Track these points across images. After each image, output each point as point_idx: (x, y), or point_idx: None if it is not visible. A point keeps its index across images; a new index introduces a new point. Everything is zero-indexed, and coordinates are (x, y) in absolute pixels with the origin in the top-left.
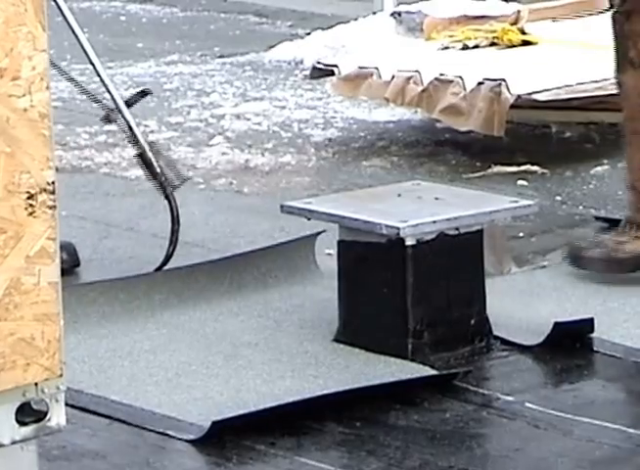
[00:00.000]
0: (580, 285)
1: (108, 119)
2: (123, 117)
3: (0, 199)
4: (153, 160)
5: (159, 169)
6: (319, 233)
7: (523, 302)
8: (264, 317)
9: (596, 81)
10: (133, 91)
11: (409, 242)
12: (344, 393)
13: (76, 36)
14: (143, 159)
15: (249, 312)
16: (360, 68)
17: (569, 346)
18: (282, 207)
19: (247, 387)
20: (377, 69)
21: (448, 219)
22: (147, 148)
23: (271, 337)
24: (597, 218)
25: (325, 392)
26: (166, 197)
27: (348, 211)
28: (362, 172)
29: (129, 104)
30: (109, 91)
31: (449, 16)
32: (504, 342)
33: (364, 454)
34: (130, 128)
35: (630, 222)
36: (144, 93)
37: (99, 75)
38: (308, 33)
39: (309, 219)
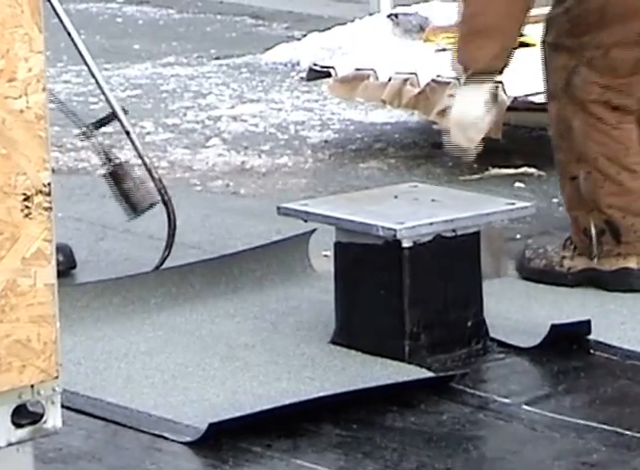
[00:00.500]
0: (577, 287)
1: (85, 136)
2: (121, 122)
3: None
4: (124, 179)
5: (130, 189)
6: (312, 232)
7: (519, 304)
8: (261, 319)
9: None
10: (102, 114)
11: (406, 244)
12: (341, 395)
13: (72, 39)
14: (114, 178)
15: (245, 314)
16: (357, 69)
17: (566, 348)
18: (278, 208)
19: (243, 389)
20: (374, 70)
21: (445, 221)
22: (119, 168)
23: (267, 339)
24: None
25: (321, 394)
26: (164, 203)
27: (345, 212)
28: (359, 174)
29: (97, 126)
30: (104, 94)
31: (449, 23)
32: (501, 344)
33: (360, 456)
34: (132, 142)
35: (571, 241)
36: (112, 117)
37: (95, 78)
38: (305, 35)
39: (306, 221)
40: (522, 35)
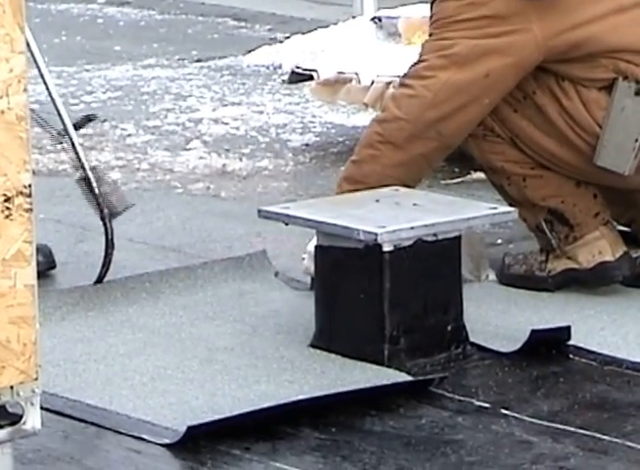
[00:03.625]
0: (558, 292)
1: (56, 141)
2: (70, 138)
3: None
4: (95, 185)
5: (100, 195)
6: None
7: (499, 308)
8: (240, 322)
9: None
10: (81, 115)
11: (386, 248)
12: (320, 398)
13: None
14: (85, 183)
15: (224, 317)
16: (339, 72)
17: (545, 353)
18: (259, 211)
19: (222, 391)
20: (356, 74)
21: (426, 225)
22: (90, 173)
23: (247, 342)
24: None
25: (300, 397)
26: (102, 220)
27: (326, 216)
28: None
29: (77, 127)
30: (57, 110)
31: (424, 15)
32: (480, 348)
33: (339, 460)
34: (75, 151)
35: (545, 250)
36: (90, 118)
37: (49, 93)
38: (287, 37)
39: (287, 224)
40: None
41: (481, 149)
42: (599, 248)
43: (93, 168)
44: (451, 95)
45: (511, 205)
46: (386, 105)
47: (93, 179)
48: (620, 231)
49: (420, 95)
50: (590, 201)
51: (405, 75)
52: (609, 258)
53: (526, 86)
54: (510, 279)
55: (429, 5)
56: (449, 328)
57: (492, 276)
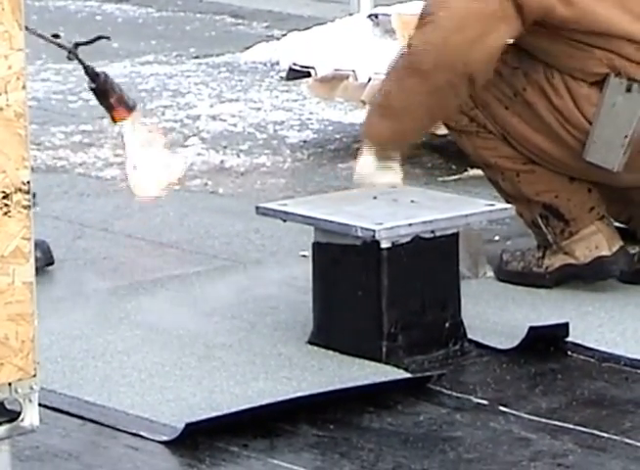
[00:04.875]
0: (555, 289)
1: (69, 58)
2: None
3: None
4: (110, 91)
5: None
6: None
7: (497, 305)
8: (238, 319)
9: None
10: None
11: (384, 245)
12: (318, 395)
13: None
14: (100, 92)
15: (222, 314)
16: (336, 69)
17: (543, 350)
18: (257, 208)
19: (220, 388)
20: (353, 71)
21: (424, 222)
22: (103, 82)
23: (245, 339)
24: None
25: (298, 394)
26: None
27: (324, 213)
28: (338, 174)
29: (87, 43)
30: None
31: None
32: (478, 345)
33: (337, 457)
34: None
35: (542, 246)
36: (101, 37)
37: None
38: (284, 34)
39: (285, 221)
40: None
41: (475, 145)
42: (595, 242)
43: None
44: (472, 22)
45: (507, 201)
46: (410, 36)
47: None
48: (617, 227)
49: (442, 23)
50: (585, 195)
51: (424, 8)
52: (605, 252)
53: (517, 83)
54: (508, 276)
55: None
56: (447, 325)
57: (490, 273)
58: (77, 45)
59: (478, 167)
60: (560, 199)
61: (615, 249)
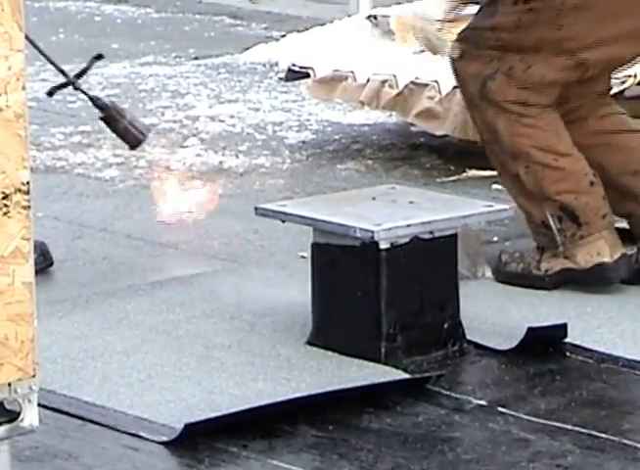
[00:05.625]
0: (554, 290)
1: (73, 86)
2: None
3: None
4: (118, 119)
5: (125, 127)
6: None
7: (496, 306)
8: (237, 320)
9: None
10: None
11: (383, 245)
12: (317, 396)
13: None
14: (108, 120)
15: (221, 315)
16: (335, 70)
17: (542, 351)
18: (256, 209)
19: (219, 389)
20: (352, 72)
21: (423, 223)
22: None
23: (244, 339)
24: None
25: (297, 395)
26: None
27: (323, 213)
28: (336, 175)
29: (86, 69)
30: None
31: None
32: (477, 346)
33: (336, 457)
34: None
35: (541, 247)
36: (97, 57)
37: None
38: (283, 35)
39: (284, 222)
40: None
41: (512, 131)
42: (598, 248)
43: (112, 103)
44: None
45: (517, 197)
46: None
47: (115, 113)
48: (618, 228)
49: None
50: (600, 201)
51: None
52: (607, 259)
53: None
54: (506, 277)
55: (423, 2)
56: (446, 326)
57: (489, 274)
58: (79, 76)
59: (477, 169)
60: (579, 201)
61: (616, 256)
